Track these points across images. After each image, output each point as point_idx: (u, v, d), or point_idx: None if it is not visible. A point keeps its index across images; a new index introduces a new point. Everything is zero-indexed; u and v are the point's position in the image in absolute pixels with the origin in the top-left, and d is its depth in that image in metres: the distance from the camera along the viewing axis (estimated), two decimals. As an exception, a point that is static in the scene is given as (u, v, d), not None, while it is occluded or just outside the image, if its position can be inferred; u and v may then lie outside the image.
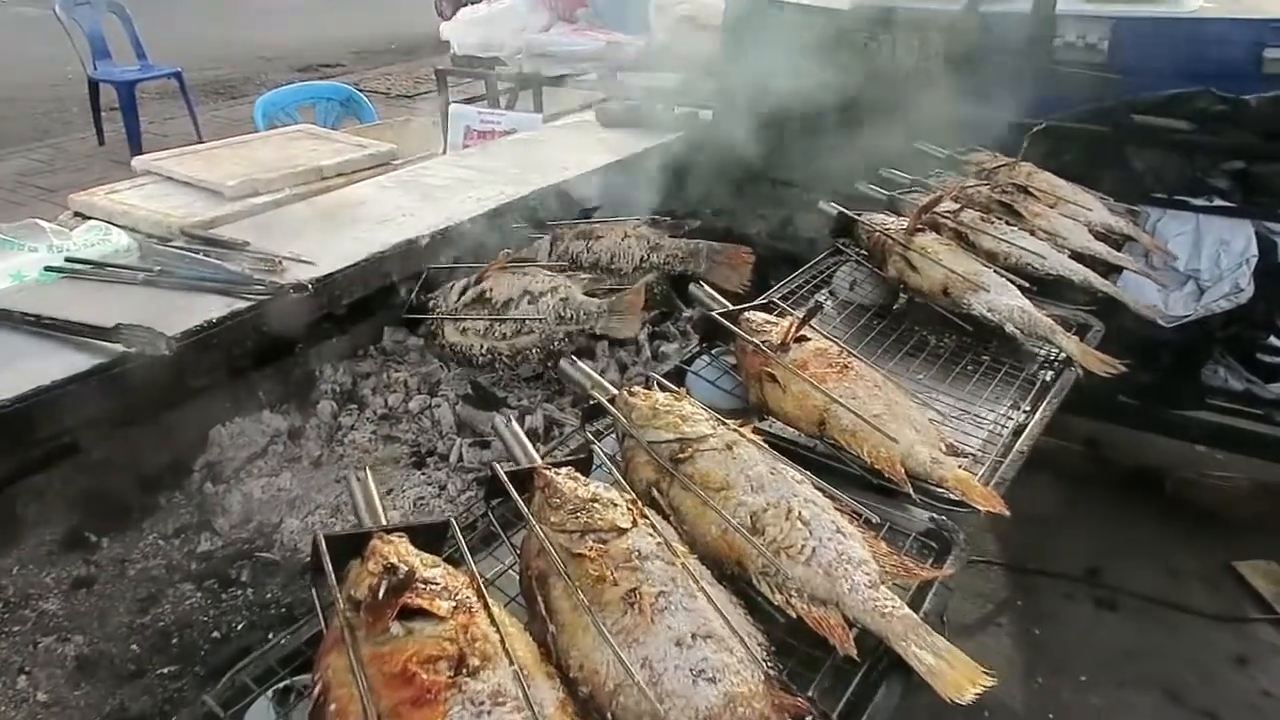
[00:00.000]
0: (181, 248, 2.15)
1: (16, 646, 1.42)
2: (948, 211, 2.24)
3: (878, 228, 2.17)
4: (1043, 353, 1.93)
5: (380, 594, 0.96)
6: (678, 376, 1.71)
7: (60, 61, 8.52)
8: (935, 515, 1.36)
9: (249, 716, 1.02)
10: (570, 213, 2.68)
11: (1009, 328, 1.87)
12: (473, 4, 6.28)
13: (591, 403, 1.51)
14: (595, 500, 1.17)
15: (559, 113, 4.00)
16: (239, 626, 1.47)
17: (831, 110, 2.67)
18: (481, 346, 2.06)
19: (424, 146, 3.83)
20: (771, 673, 0.99)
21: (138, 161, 3.14)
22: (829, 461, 1.48)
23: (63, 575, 1.57)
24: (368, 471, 1.25)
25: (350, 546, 1.09)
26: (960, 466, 1.41)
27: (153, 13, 8.91)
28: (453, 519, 1.19)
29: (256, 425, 1.90)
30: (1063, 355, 1.87)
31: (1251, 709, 2.69)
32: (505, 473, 1.24)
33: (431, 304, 2.17)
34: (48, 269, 2.09)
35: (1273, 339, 3.17)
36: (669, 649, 0.98)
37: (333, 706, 0.90)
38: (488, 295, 2.11)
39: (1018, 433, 1.62)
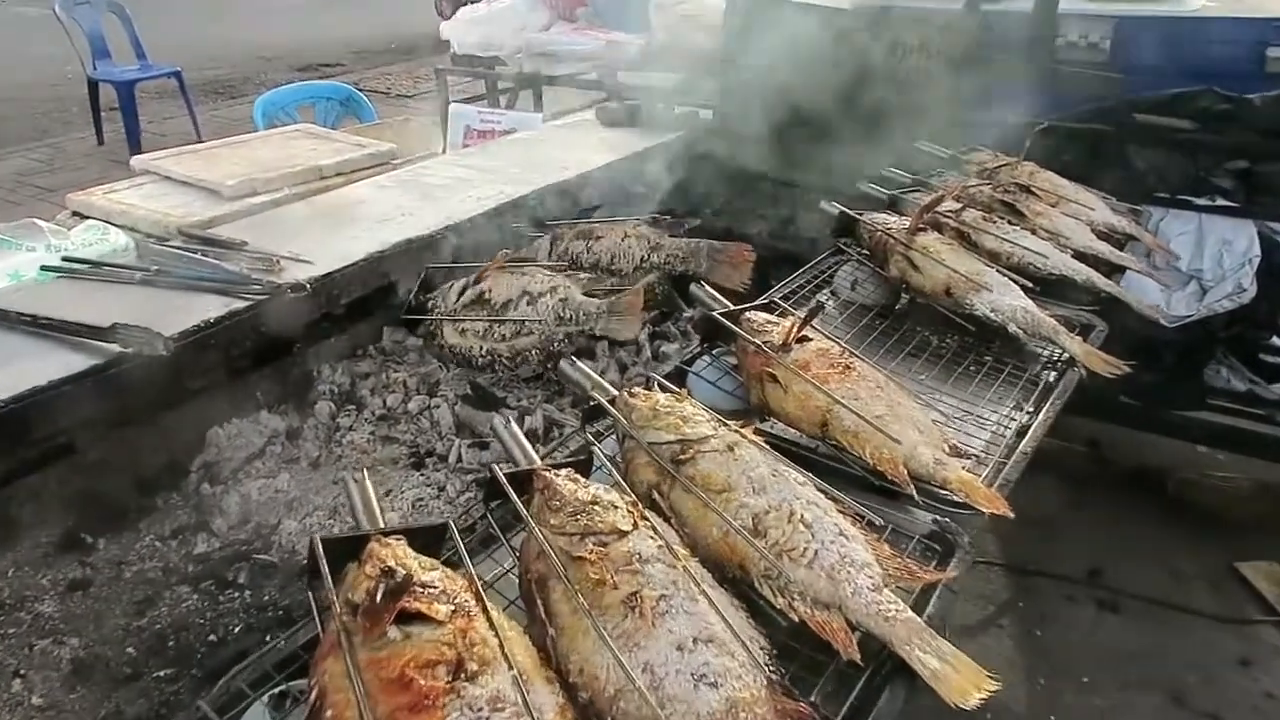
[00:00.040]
0: (179, 247, 2.14)
1: (11, 649, 1.41)
2: (950, 211, 2.23)
3: (879, 227, 2.16)
4: (1046, 353, 1.92)
5: (377, 598, 0.95)
6: (678, 377, 1.70)
7: (60, 61, 8.52)
8: (939, 517, 1.35)
9: (244, 722, 1.01)
10: (570, 212, 2.67)
11: (1012, 328, 1.86)
12: (473, 3, 6.27)
13: (591, 404, 1.50)
14: (595, 502, 1.16)
15: (559, 112, 4.00)
16: (236, 629, 1.45)
17: (833, 109, 2.66)
18: (481, 348, 2.05)
19: (424, 146, 3.82)
20: (774, 677, 0.98)
21: (136, 161, 3.14)
22: (831, 463, 1.46)
23: (58, 577, 1.56)
24: (365, 473, 1.24)
25: (347, 549, 1.08)
26: (963, 468, 1.40)
27: (152, 12, 8.92)
28: (451, 521, 1.18)
29: (254, 426, 1.89)
30: (1066, 356, 1.86)
31: (1254, 711, 2.68)
32: (504, 474, 1.23)
33: (430, 304, 2.16)
34: (44, 268, 2.08)
35: (1275, 339, 3.16)
36: (670, 653, 0.97)
37: (329, 712, 0.89)
38: (486, 296, 2.10)
39: (1021, 434, 1.61)
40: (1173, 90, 2.87)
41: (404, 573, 0.99)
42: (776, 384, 1.55)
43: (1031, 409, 1.71)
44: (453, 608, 0.97)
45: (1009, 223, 2.26)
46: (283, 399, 2.00)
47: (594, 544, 1.09)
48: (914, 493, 1.36)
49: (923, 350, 1.95)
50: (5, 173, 7.16)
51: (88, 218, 2.73)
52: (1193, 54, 3.27)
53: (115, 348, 1.69)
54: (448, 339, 2.09)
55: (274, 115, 4.52)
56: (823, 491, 1.27)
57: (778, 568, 1.13)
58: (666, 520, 1.23)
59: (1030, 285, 1.99)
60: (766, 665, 0.99)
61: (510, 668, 0.92)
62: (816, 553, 1.14)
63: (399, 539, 1.09)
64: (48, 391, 1.59)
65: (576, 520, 1.13)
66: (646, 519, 1.16)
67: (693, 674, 0.95)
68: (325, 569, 1.04)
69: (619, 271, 2.35)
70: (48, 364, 1.65)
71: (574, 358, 1.64)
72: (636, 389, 1.47)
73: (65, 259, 2.11)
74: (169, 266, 2.02)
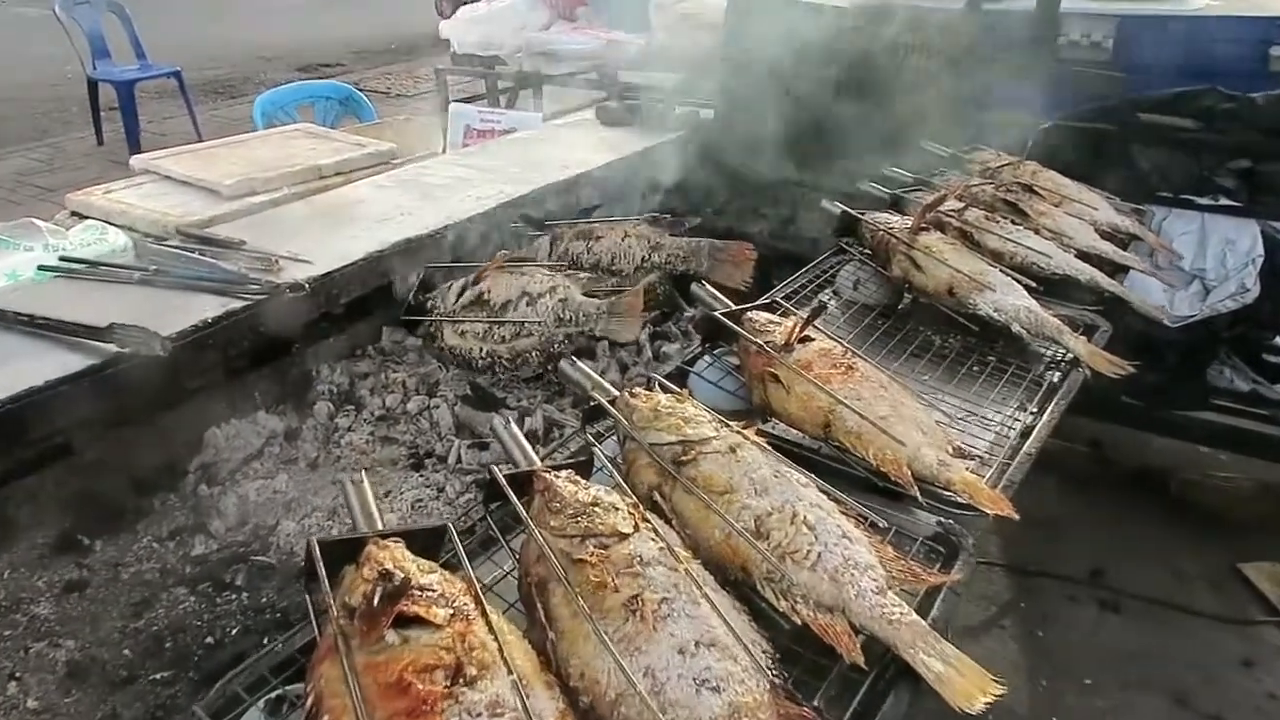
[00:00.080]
0: (177, 247, 2.13)
1: (7, 652, 1.40)
2: (952, 210, 2.22)
3: (882, 227, 2.14)
4: (1049, 353, 1.91)
5: (375, 601, 0.94)
6: (680, 377, 1.69)
7: (60, 61, 8.51)
8: (942, 519, 1.34)
9: (240, 726, 1.00)
10: (570, 212, 2.66)
11: (1015, 328, 1.85)
12: (472, 2, 6.27)
13: (592, 404, 1.49)
14: (596, 504, 1.15)
15: (559, 111, 3.99)
16: (233, 631, 1.44)
17: (834, 108, 2.65)
18: (481, 350, 2.04)
19: (424, 145, 3.81)
20: (777, 681, 0.97)
21: (135, 161, 3.13)
22: (834, 464, 1.45)
23: (55, 579, 1.55)
24: (363, 475, 1.23)
25: (345, 551, 1.07)
26: (967, 469, 1.39)
27: (152, 12, 8.91)
28: (450, 523, 1.17)
29: (252, 426, 1.88)
30: (1070, 356, 1.84)
31: (1257, 712, 2.67)
32: (504, 476, 1.21)
33: (430, 304, 2.15)
34: (41, 268, 2.07)
35: (1278, 339, 3.15)
36: (672, 657, 0.96)
37: (326, 717, 0.88)
38: (486, 296, 2.09)
39: (1025, 434, 1.60)
40: (1176, 89, 2.86)
41: (402, 576, 0.98)
42: (779, 384, 1.53)
43: (1035, 409, 1.70)
44: (451, 611, 0.96)
45: (1012, 222, 2.25)
46: (281, 399, 1.99)
47: (595, 546, 1.08)
48: (918, 494, 1.35)
49: (926, 350, 1.94)
50: (5, 172, 7.16)
51: (86, 217, 2.72)
52: (1196, 53, 3.25)
53: (112, 348, 1.68)
54: (448, 340, 2.08)
55: (273, 115, 4.51)
56: (825, 493, 1.26)
57: (780, 570, 1.12)
58: (668, 522, 1.22)
59: (1034, 285, 1.98)
60: (769, 669, 0.98)
61: (510, 672, 0.91)
62: (820, 555, 1.13)
63: (397, 541, 1.08)
64: (44, 392, 1.58)
65: (577, 522, 1.12)
66: (648, 521, 1.14)
67: (695, 678, 0.94)
68: (322, 572, 1.03)
69: (619, 271, 2.34)
70: (44, 364, 1.64)
71: (574, 358, 1.63)
72: (637, 389, 1.46)
73: (63, 258, 2.10)
74: (167, 266, 2.01)
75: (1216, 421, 3.11)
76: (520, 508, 1.17)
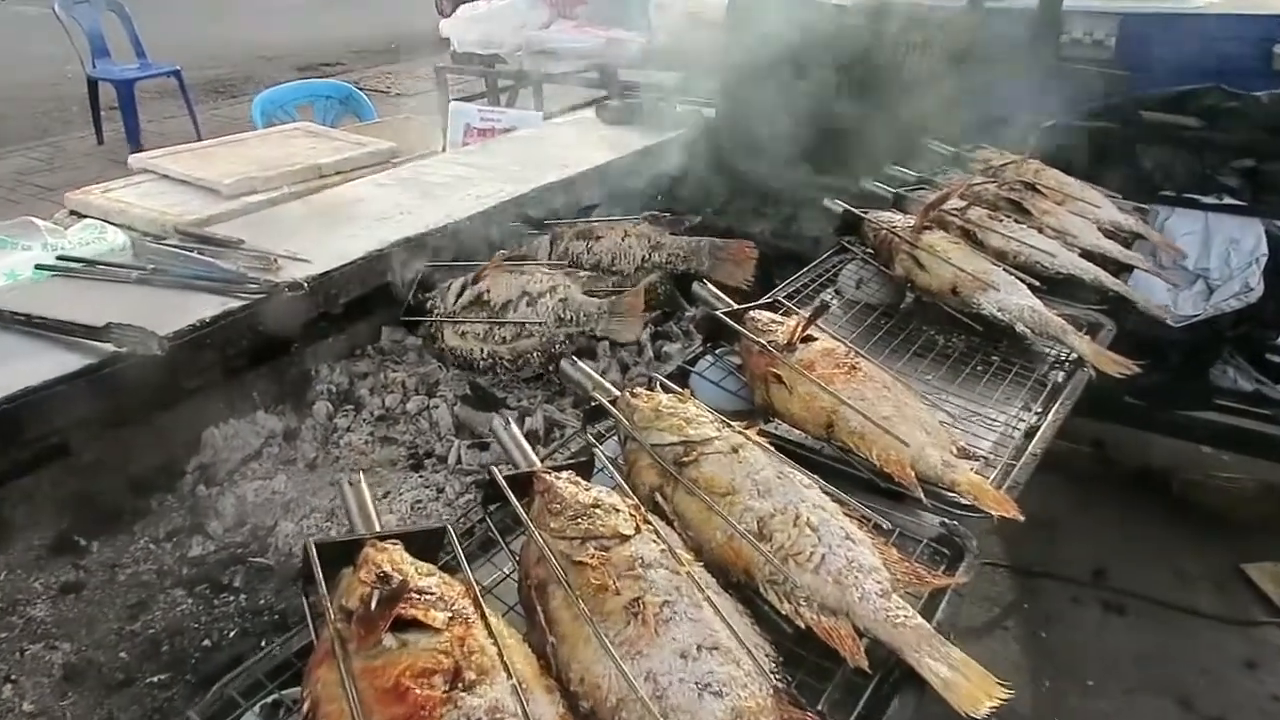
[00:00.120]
0: (176, 246, 2.11)
1: (2, 654, 1.39)
2: (955, 209, 2.20)
3: (884, 225, 2.13)
4: (1053, 353, 1.89)
5: (372, 604, 0.93)
6: (681, 377, 1.68)
7: (60, 60, 8.50)
8: (947, 520, 1.33)
9: (237, 731, 0.99)
10: (571, 211, 2.64)
11: (1019, 327, 1.84)
12: (472, 1, 6.25)
13: (593, 404, 1.47)
14: (597, 505, 1.13)
15: (560, 110, 3.98)
16: (231, 634, 1.43)
17: (835, 106, 2.64)
18: (482, 350, 2.03)
19: (424, 144, 3.80)
20: (780, 685, 0.95)
21: (134, 160, 3.12)
22: (837, 465, 1.44)
23: (51, 580, 1.54)
24: (361, 476, 1.22)
25: (343, 553, 1.05)
26: (972, 470, 1.38)
27: (152, 11, 8.90)
28: (449, 525, 1.16)
29: (251, 426, 1.87)
30: (1074, 355, 1.83)
31: (1261, 713, 2.66)
32: (504, 476, 1.20)
33: (429, 304, 2.13)
34: (39, 267, 2.06)
35: (1282, 339, 3.13)
36: (673, 661, 0.94)
37: (323, 723, 0.87)
38: (485, 296, 2.07)
39: (1029, 435, 1.59)
40: (1179, 88, 2.85)
41: (400, 578, 0.96)
42: (781, 384, 1.52)
43: (1040, 409, 1.69)
44: (450, 614, 0.95)
45: (1015, 221, 2.23)
46: (280, 399, 1.98)
47: (595, 548, 1.06)
48: (922, 495, 1.33)
49: (929, 350, 1.93)
50: (5, 171, 7.15)
51: (85, 216, 2.71)
52: (1199, 51, 3.24)
53: (110, 347, 1.67)
54: (448, 341, 2.07)
55: (273, 114, 4.50)
56: (828, 494, 1.24)
57: (783, 572, 1.10)
58: (669, 524, 1.21)
59: (1037, 284, 1.97)
60: (772, 673, 0.96)
61: (509, 676, 0.89)
62: (823, 557, 1.11)
63: (395, 543, 1.07)
64: (41, 391, 1.58)
65: (577, 524, 1.10)
66: (649, 522, 1.13)
67: (697, 682, 0.93)
68: (319, 574, 1.02)
69: (620, 271, 2.33)
70: (41, 363, 1.63)
71: (575, 358, 1.62)
72: (639, 389, 1.45)
73: (60, 257, 2.09)
74: (165, 265, 2.00)
75: (1219, 421, 3.10)
76: (520, 509, 1.16)
